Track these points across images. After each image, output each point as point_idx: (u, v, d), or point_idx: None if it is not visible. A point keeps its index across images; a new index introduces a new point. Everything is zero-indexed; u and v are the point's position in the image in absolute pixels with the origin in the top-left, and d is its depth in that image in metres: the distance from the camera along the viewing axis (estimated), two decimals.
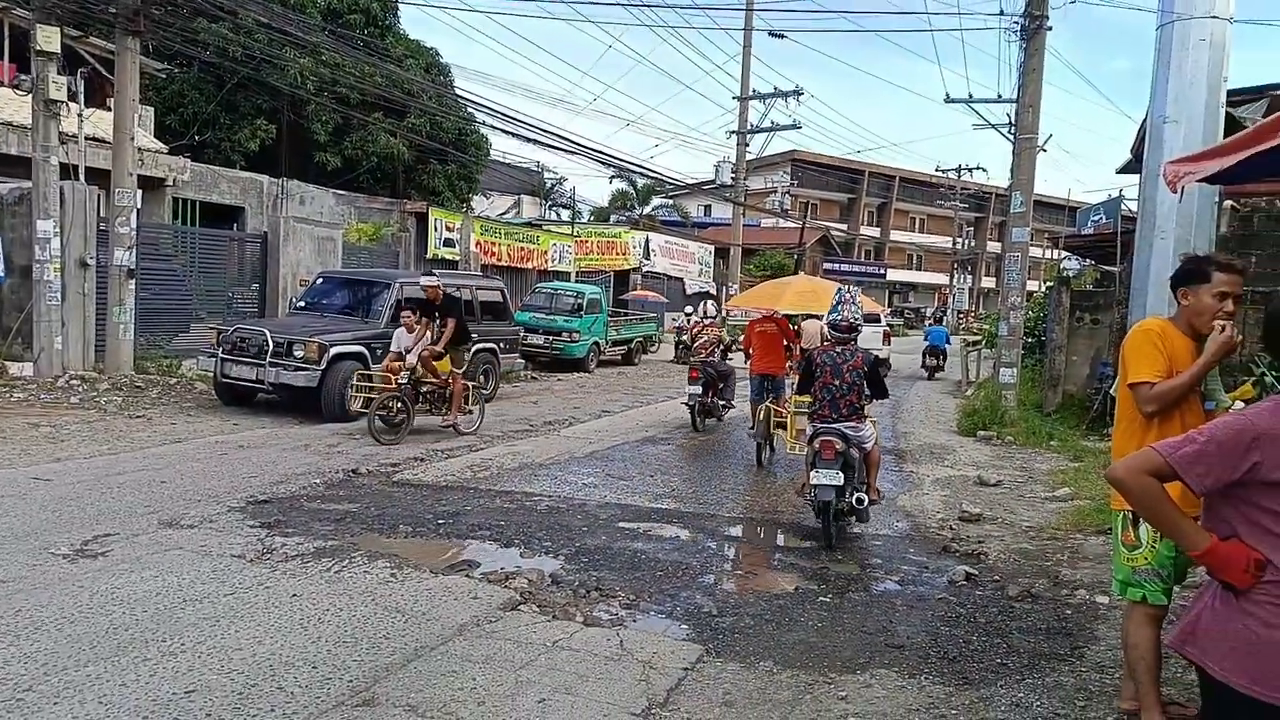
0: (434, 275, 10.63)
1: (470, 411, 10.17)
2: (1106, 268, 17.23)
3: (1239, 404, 3.48)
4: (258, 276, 16.23)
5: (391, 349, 9.85)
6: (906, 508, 7.49)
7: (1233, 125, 9.10)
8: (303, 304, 12.45)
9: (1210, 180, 4.92)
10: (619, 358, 21.50)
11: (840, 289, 7.19)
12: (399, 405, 9.33)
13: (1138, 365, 3.14)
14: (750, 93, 31.07)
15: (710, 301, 12.61)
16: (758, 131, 31.70)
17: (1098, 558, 5.89)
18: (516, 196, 41.85)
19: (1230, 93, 9.00)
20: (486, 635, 4.19)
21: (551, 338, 18.49)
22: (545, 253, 26.33)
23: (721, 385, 11.25)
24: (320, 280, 12.85)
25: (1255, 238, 9.63)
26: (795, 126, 31.38)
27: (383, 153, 23.23)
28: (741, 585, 5.29)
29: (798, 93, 30.41)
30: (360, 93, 21.70)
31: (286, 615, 4.28)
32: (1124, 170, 16.64)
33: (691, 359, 11.44)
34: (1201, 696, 1.97)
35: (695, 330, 12.55)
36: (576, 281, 24.52)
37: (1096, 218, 17.78)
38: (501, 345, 13.79)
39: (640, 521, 6.57)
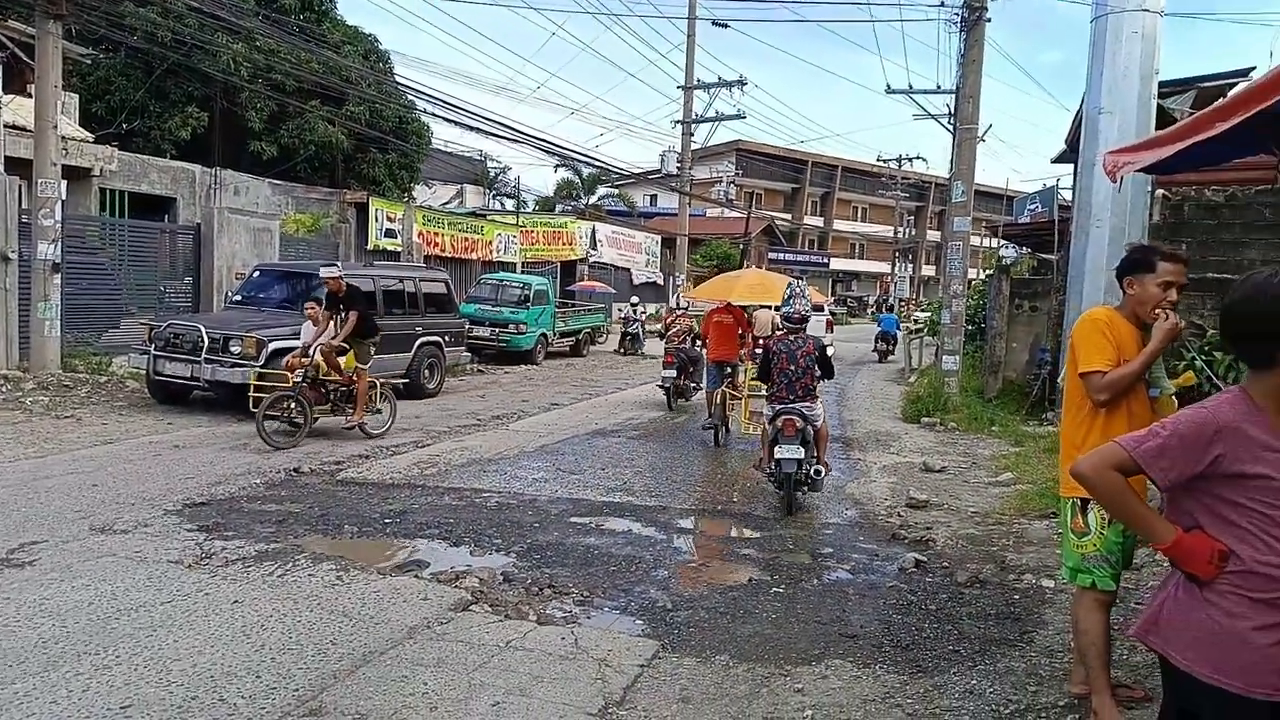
0: (336, 265, 9.79)
1: (379, 411, 9.54)
2: (1043, 256, 17.64)
3: (1179, 393, 3.56)
4: (191, 270, 15.72)
5: (300, 343, 9.22)
6: (855, 495, 7.56)
7: (1163, 116, 9.35)
8: (239, 298, 12.10)
9: (1146, 170, 5.04)
10: (567, 349, 21.38)
11: (791, 283, 7.97)
12: (294, 406, 8.63)
13: (1088, 354, 3.18)
14: (695, 82, 31.06)
15: (682, 296, 13.51)
16: (702, 121, 31.74)
17: (1041, 542, 6.01)
18: (460, 186, 41.28)
19: (1160, 84, 9.25)
20: (437, 638, 4.10)
21: (498, 330, 18.29)
22: (490, 243, 26.04)
23: (691, 369, 12.57)
24: (257, 273, 12.50)
25: (1185, 226, 9.93)
26: (740, 116, 31.48)
27: (321, 141, 22.65)
28: (695, 578, 5.27)
29: (741, 83, 30.50)
30: (296, 80, 21.11)
31: (227, 623, 4.13)
32: (1059, 160, 17.03)
33: (666, 345, 12.81)
34: (1164, 686, 1.99)
35: (669, 320, 14.29)
36: (523, 272, 24.30)
37: (1033, 207, 18.18)
38: (446, 338, 13.58)
39: (592, 516, 6.51)
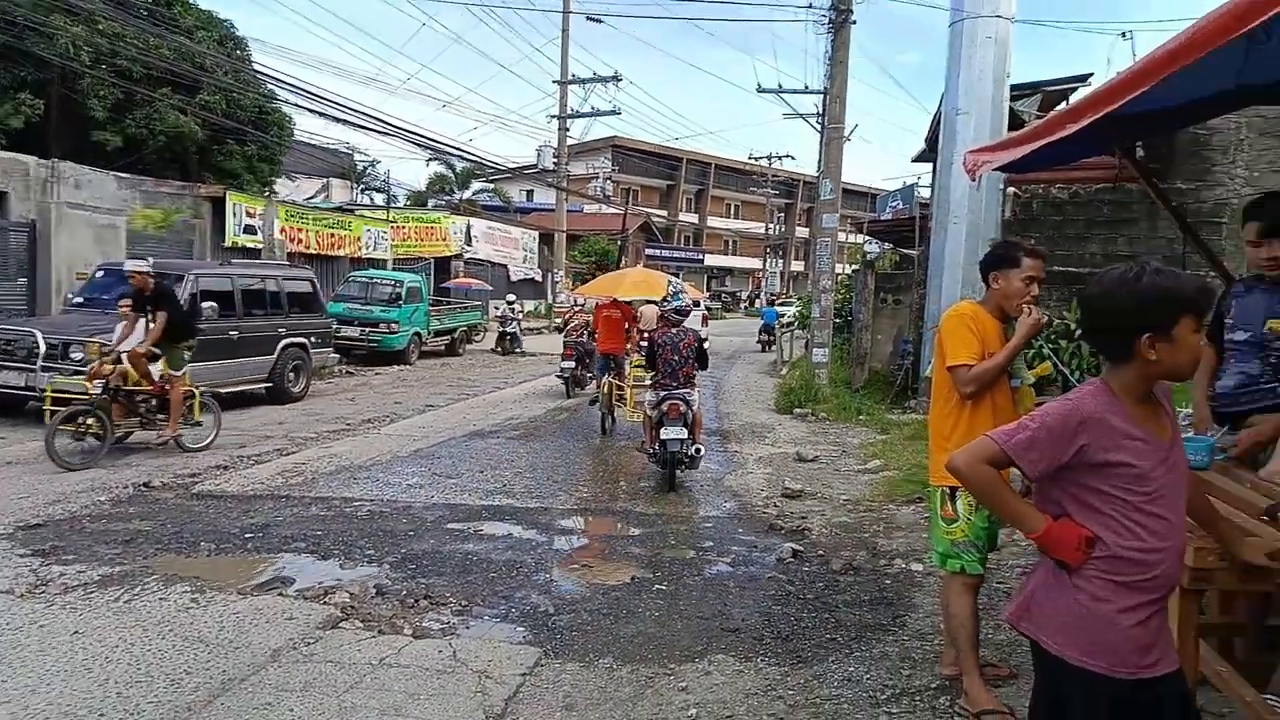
0: (145, 260, 8.52)
1: (199, 423, 8.59)
2: (905, 251, 18.45)
3: (1042, 386, 3.73)
4: (25, 270, 14.40)
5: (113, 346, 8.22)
6: (733, 487, 7.66)
7: (1013, 118, 9.92)
8: (80, 300, 11.20)
9: (1002, 169, 5.28)
10: (442, 348, 20.85)
11: (672, 281, 9.00)
12: (91, 420, 7.67)
13: (955, 349, 3.28)
14: (570, 77, 30.93)
15: (572, 294, 14.01)
16: (578, 116, 31.66)
17: (909, 527, 6.24)
18: (325, 180, 39.62)
19: (1011, 88, 9.79)
20: (304, 659, 3.86)
21: (368, 329, 17.64)
22: (359, 239, 25.09)
23: (588, 360, 13.39)
24: (100, 273, 11.58)
25: (1034, 221, 10.55)
26: (615, 112, 31.61)
27: (172, 131, 21.18)
28: (578, 580, 5.19)
29: (617, 78, 30.59)
30: (144, 66, 19.66)
31: (67, 656, 3.77)
32: (919, 159, 17.84)
33: (565, 339, 14.06)
34: (1035, 670, 2.05)
35: (568, 316, 15.86)
36: (394, 269, 23.54)
37: (895, 204, 19.01)
38: (312, 339, 12.99)
39: (471, 521, 6.33)
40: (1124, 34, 30.34)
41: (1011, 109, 9.93)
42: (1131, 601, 1.86)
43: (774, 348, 22.96)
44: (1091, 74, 11.46)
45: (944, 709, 3.41)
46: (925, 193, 16.50)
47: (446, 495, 7.09)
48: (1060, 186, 10.54)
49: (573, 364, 13.45)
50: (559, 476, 7.99)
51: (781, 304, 35.45)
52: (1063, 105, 8.45)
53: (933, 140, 12.85)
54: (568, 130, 31.56)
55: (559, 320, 21.81)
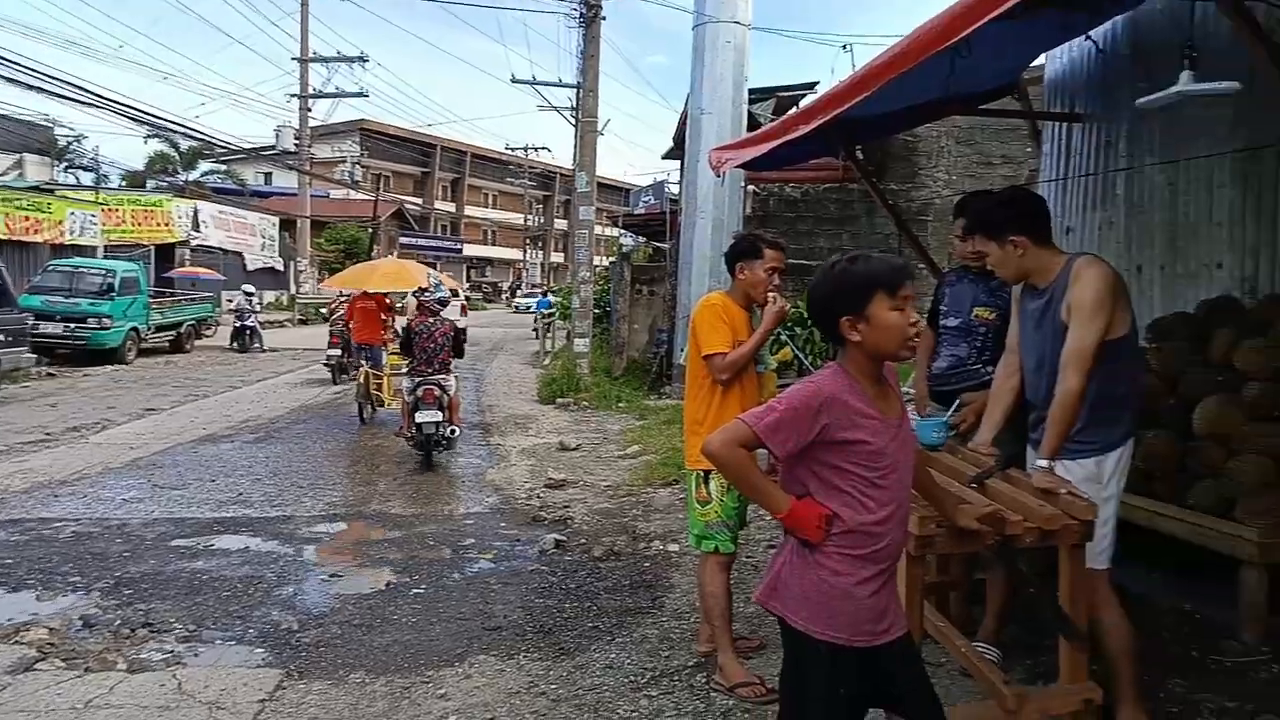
0: None
1: None
2: (658, 244, 19.14)
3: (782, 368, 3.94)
4: None
5: None
6: (496, 481, 7.53)
7: (750, 120, 10.53)
8: None
9: (743, 166, 5.56)
10: (167, 345, 18.79)
11: (430, 273, 10.00)
12: None
13: (709, 338, 3.40)
14: (311, 54, 29.03)
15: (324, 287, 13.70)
16: (322, 96, 29.83)
17: (666, 509, 6.44)
18: (18, 155, 34.39)
19: (749, 91, 10.39)
20: None
21: (74, 325, 15.53)
22: (61, 223, 22.02)
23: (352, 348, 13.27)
24: None
25: (772, 217, 11.30)
26: (362, 94, 30.11)
27: None
28: (326, 591, 4.83)
29: (363, 59, 29.18)
30: None
31: None
32: (668, 156, 18.51)
33: (331, 328, 14.19)
34: (784, 647, 2.12)
35: (334, 306, 16.40)
36: (105, 257, 20.92)
37: (647, 199, 19.65)
38: (2, 337, 11.21)
39: (200, 536, 5.72)
40: (844, 46, 33.37)
41: (750, 111, 10.54)
42: (867, 573, 1.98)
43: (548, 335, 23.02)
44: (818, 82, 12.44)
45: (700, 686, 3.51)
46: (675, 189, 17.16)
47: (171, 509, 6.37)
48: (794, 185, 11.37)
49: (339, 351, 13.50)
50: (305, 480, 7.44)
51: (547, 295, 35.63)
52: (795, 109, 9.09)
53: (680, 138, 13.37)
54: (310, 110, 29.65)
55: (325, 310, 21.59)
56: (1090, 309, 2.72)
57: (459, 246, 56.23)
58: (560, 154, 62.54)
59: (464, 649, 3.98)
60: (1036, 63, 5.98)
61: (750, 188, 11.23)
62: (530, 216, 61.21)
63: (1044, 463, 2.74)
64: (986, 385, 3.35)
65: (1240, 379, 3.97)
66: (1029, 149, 9.81)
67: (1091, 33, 5.12)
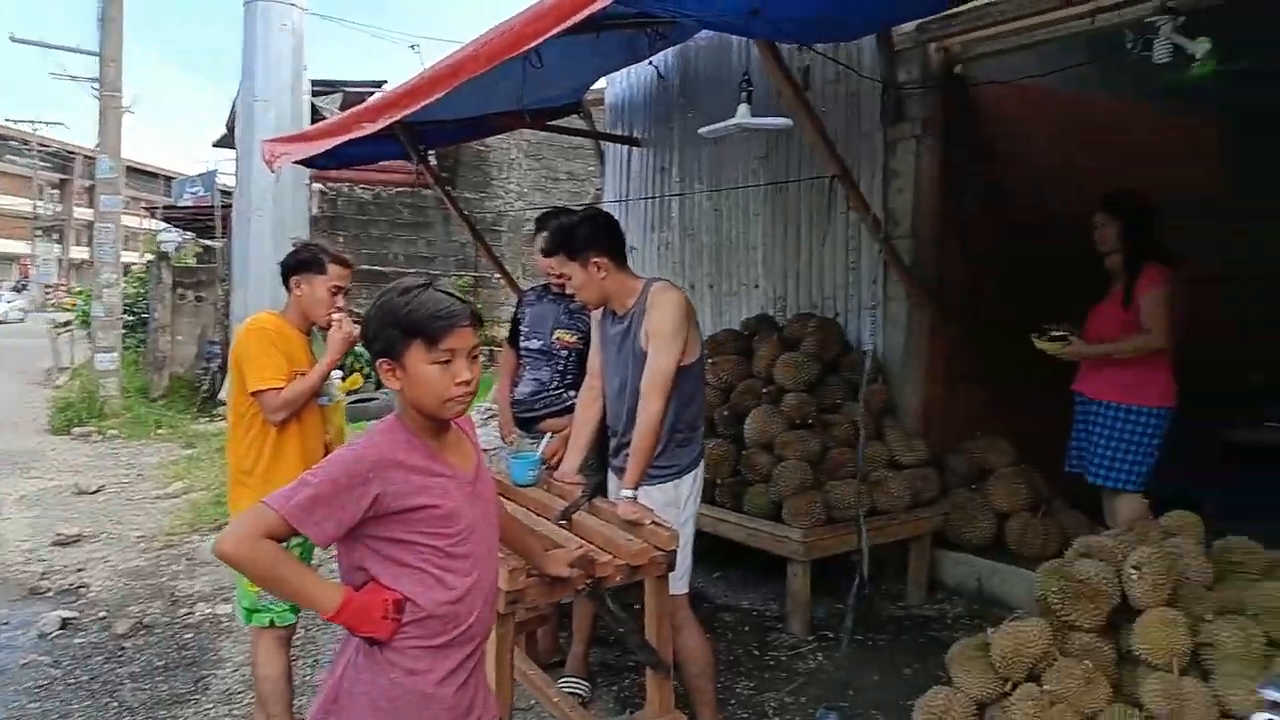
0: None
1: None
2: (208, 242, 16.97)
3: (346, 395, 3.47)
4: None
5: None
6: None
7: (315, 113, 9.71)
8: None
9: (302, 162, 4.94)
10: None
11: None
12: None
13: (259, 372, 2.79)
14: None
15: None
16: None
17: (216, 560, 5.50)
18: None
19: (313, 83, 9.56)
20: None
21: None
22: None
23: None
24: None
25: (341, 219, 10.55)
26: None
27: None
28: None
29: None
30: None
31: None
32: (220, 144, 16.59)
33: None
34: None
35: None
36: None
37: (194, 190, 17.36)
38: None
39: None
40: (413, 46, 32.97)
41: (314, 105, 9.71)
42: (451, 663, 1.65)
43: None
44: (386, 80, 11.93)
45: None
46: (227, 180, 15.36)
47: None
48: (364, 187, 10.74)
49: None
50: None
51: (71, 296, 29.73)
52: (363, 105, 8.52)
53: (234, 125, 11.95)
54: None
55: None
56: (669, 335, 2.72)
57: None
58: (85, 132, 53.30)
59: None
60: (599, 85, 6.20)
61: (317, 186, 10.35)
62: (42, 204, 51.24)
63: (629, 492, 2.69)
64: (570, 410, 3.25)
65: (780, 390, 4.40)
66: (593, 167, 10.37)
67: (654, 59, 5.39)
